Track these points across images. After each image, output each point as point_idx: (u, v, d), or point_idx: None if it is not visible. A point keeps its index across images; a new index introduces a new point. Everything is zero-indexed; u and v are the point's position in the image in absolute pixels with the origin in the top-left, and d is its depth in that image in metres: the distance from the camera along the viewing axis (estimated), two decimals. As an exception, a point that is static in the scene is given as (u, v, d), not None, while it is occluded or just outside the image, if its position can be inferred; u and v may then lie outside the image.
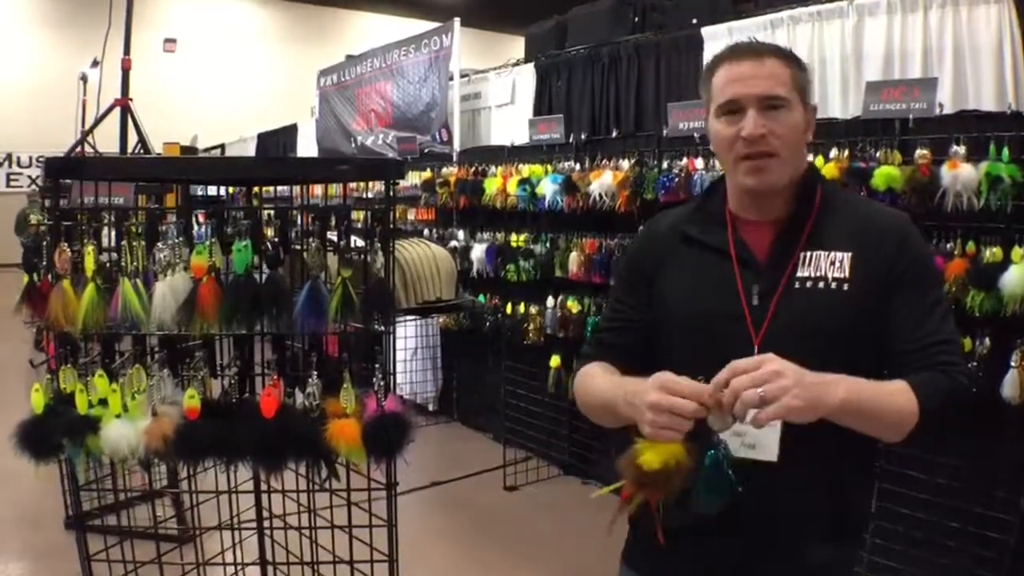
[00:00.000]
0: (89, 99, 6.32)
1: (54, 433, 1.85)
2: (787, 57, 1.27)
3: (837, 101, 3.74)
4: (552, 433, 4.62)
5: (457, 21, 5.88)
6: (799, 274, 1.24)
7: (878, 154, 2.91)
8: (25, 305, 1.99)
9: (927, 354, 1.19)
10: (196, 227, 2.46)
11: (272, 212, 2.33)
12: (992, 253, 2.64)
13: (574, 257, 4.17)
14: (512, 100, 5.80)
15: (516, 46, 8.70)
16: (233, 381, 2.07)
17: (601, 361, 1.38)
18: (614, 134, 4.52)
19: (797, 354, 1.08)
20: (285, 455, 1.87)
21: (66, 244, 1.91)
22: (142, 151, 4.77)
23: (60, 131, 8.24)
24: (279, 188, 4.68)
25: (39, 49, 15.34)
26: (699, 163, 3.59)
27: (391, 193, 2.09)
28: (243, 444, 1.86)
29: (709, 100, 1.30)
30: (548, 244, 4.45)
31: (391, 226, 2.04)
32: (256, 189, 2.56)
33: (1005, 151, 2.62)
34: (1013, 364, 2.59)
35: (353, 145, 7.50)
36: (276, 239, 2.06)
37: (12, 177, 15.35)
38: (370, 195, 5.80)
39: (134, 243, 1.90)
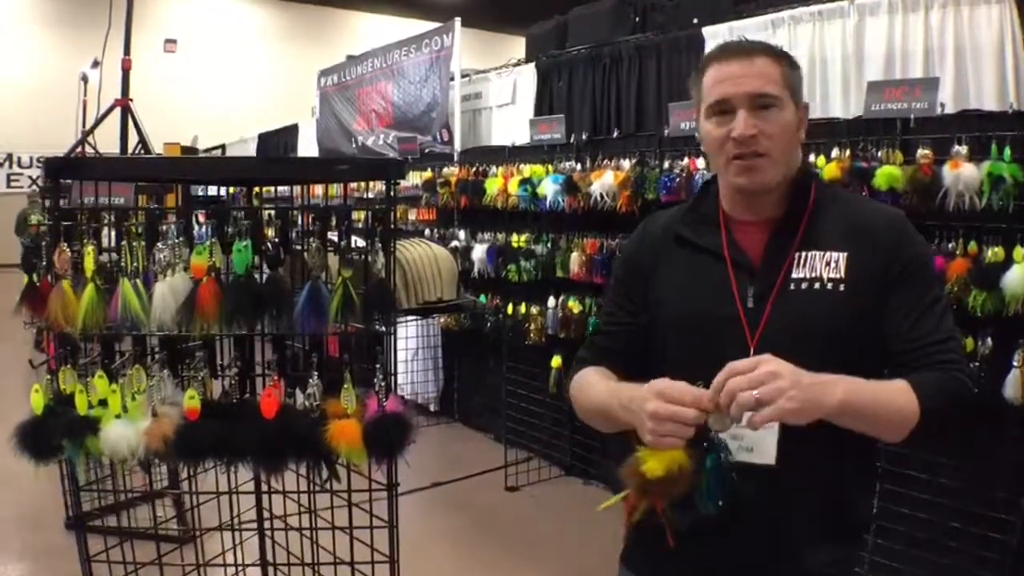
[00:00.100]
0: (90, 99, 6.30)
1: (54, 434, 1.84)
2: (777, 55, 1.25)
3: (839, 101, 3.73)
4: (553, 434, 4.62)
5: (458, 21, 5.87)
6: (794, 275, 1.23)
7: (880, 154, 2.91)
8: (25, 306, 1.99)
9: (926, 353, 1.18)
10: (196, 227, 2.46)
11: (273, 212, 2.32)
12: (994, 253, 2.64)
13: (575, 257, 4.16)
14: (513, 100, 5.80)
15: (517, 46, 8.71)
16: (233, 382, 2.07)
17: (597, 365, 1.37)
18: (615, 134, 4.52)
19: (793, 356, 1.07)
20: (286, 456, 1.86)
21: (66, 244, 1.91)
22: (143, 151, 4.76)
23: (60, 131, 8.24)
24: (280, 188, 4.68)
25: (39, 49, 15.36)
26: (700, 163, 3.58)
27: (392, 193, 2.08)
28: (243, 445, 1.86)
29: (699, 100, 1.29)
30: (549, 244, 4.45)
31: (392, 226, 2.04)
32: (257, 189, 2.56)
33: (1007, 151, 2.61)
34: (1015, 364, 2.58)
35: (354, 145, 7.50)
36: (277, 239, 2.06)
37: (13, 178, 15.38)
38: (371, 195, 5.81)
39: (134, 243, 1.89)
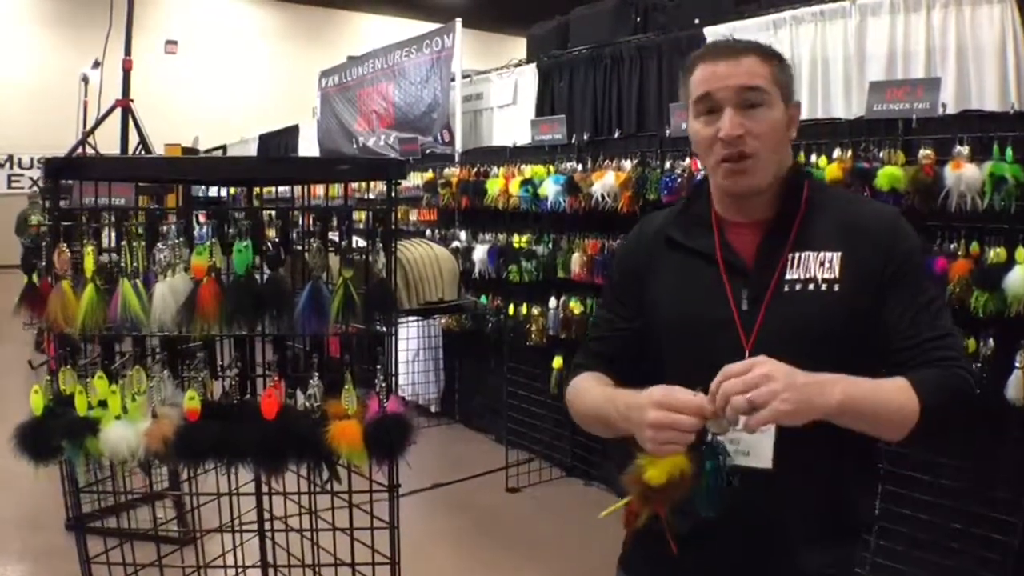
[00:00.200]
0: (90, 100, 6.30)
1: (54, 435, 1.84)
2: (766, 54, 1.24)
3: (840, 101, 3.73)
4: (555, 435, 4.61)
5: (459, 22, 5.87)
6: (788, 277, 1.22)
7: (881, 154, 2.91)
8: (25, 306, 1.98)
9: (924, 351, 1.17)
10: (197, 228, 2.46)
11: (273, 212, 2.32)
12: (996, 253, 2.63)
13: (576, 258, 4.16)
14: (514, 101, 5.80)
15: (518, 47, 8.71)
16: (234, 382, 2.06)
17: (593, 371, 1.37)
18: (616, 135, 4.52)
19: (789, 358, 1.07)
20: (286, 457, 1.86)
21: (66, 245, 1.91)
22: (143, 152, 4.75)
23: (61, 132, 8.24)
24: (280, 189, 4.68)
25: (40, 50, 15.37)
26: (701, 163, 3.58)
27: (393, 193, 2.07)
28: (244, 446, 1.85)
29: (688, 99, 1.28)
30: (550, 245, 4.45)
31: (393, 226, 2.03)
32: (257, 190, 2.56)
33: (1009, 151, 2.61)
34: (1017, 365, 2.58)
35: (355, 146, 7.50)
36: (277, 240, 2.05)
37: (13, 178, 15.38)
38: (372, 196, 5.82)
39: (134, 244, 1.89)
